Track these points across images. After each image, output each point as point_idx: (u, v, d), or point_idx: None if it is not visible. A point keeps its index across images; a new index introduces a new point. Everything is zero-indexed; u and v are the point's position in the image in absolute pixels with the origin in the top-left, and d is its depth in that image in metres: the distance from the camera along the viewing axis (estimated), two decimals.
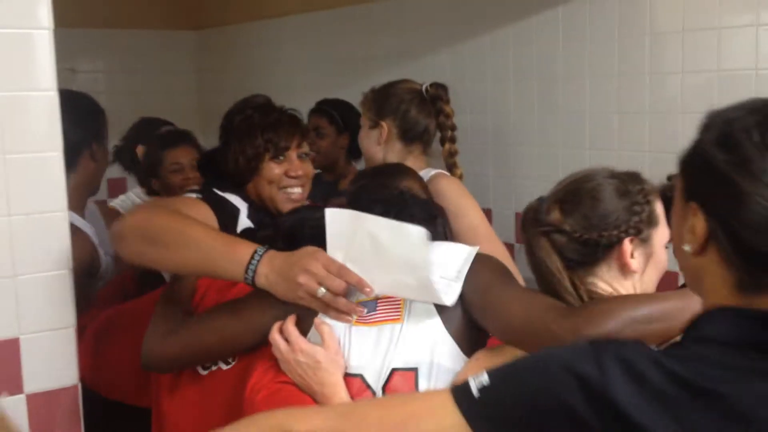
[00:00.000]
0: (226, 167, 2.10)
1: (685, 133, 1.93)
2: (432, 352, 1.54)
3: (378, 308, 1.60)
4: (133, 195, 3.15)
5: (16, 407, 1.72)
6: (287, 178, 2.09)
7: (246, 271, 1.58)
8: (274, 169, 2.07)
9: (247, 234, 1.94)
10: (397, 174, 2.07)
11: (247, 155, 2.06)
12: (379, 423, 1.14)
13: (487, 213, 3.21)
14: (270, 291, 1.58)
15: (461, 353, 1.56)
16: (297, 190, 2.10)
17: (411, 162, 2.47)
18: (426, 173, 2.46)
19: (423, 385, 1.53)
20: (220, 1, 4.90)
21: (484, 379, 1.08)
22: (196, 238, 1.63)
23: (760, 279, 1.01)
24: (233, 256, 1.60)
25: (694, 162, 1.09)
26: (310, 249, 1.58)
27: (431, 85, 2.62)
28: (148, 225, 1.68)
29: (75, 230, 2.25)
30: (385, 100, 2.55)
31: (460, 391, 1.09)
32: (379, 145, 2.53)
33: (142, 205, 1.81)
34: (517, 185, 3.11)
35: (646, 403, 0.97)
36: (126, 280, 2.38)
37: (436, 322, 1.56)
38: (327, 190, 2.97)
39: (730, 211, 1.01)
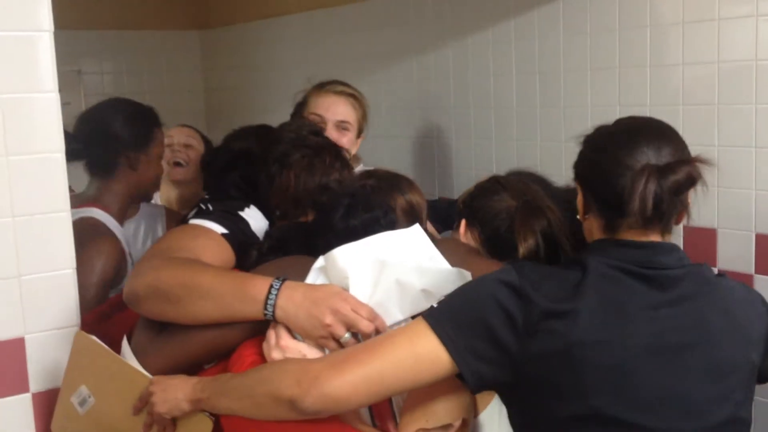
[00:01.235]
0: (267, 191, 1.97)
1: (686, 125, 1.94)
2: None
3: None
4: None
5: (21, 406, 1.75)
6: None
7: (265, 307, 1.55)
8: None
9: (250, 244, 1.87)
10: (405, 185, 1.96)
11: (298, 195, 1.94)
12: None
13: None
14: (287, 324, 1.55)
15: None
16: None
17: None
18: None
19: None
20: (225, 1, 4.92)
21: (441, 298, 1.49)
22: (207, 288, 1.59)
23: (613, 221, 1.50)
24: (248, 296, 1.57)
25: (578, 156, 1.60)
26: (336, 288, 1.55)
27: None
28: (159, 283, 1.62)
29: (107, 234, 2.28)
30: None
31: (426, 311, 1.45)
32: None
33: (151, 255, 1.74)
34: None
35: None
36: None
37: None
38: None
39: (593, 179, 1.53)
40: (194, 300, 1.58)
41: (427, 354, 1.39)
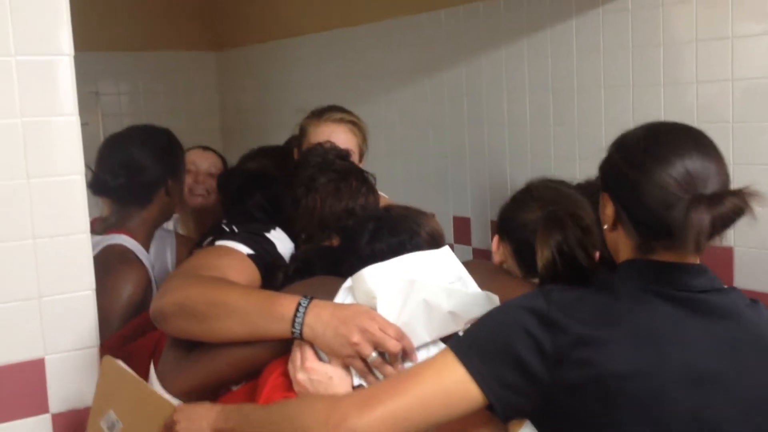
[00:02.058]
0: (292, 214, 1.98)
1: None
2: None
3: None
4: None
5: (41, 427, 1.76)
6: None
7: (293, 325, 1.54)
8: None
9: (277, 266, 1.88)
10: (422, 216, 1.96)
11: (324, 218, 1.95)
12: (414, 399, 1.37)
13: None
14: (314, 342, 1.54)
15: None
16: None
17: None
18: None
19: None
20: (240, 22, 4.97)
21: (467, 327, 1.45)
22: (234, 306, 1.59)
23: (648, 242, 1.41)
24: (275, 314, 1.56)
25: (604, 163, 1.50)
26: (363, 308, 1.54)
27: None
28: (186, 301, 1.62)
29: (135, 261, 2.29)
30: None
31: (453, 342, 1.40)
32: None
33: (178, 273, 1.75)
34: None
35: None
36: (144, 320, 2.21)
37: None
38: None
39: (626, 195, 1.43)
40: (221, 318, 1.58)
41: (456, 387, 1.36)
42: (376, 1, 3.82)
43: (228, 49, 5.11)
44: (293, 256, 1.90)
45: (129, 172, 2.35)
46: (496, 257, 1.87)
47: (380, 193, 2.37)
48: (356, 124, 2.53)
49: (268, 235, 1.92)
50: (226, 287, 1.65)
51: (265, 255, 1.86)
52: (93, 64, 4.48)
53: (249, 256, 1.82)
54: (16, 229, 1.71)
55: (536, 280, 1.72)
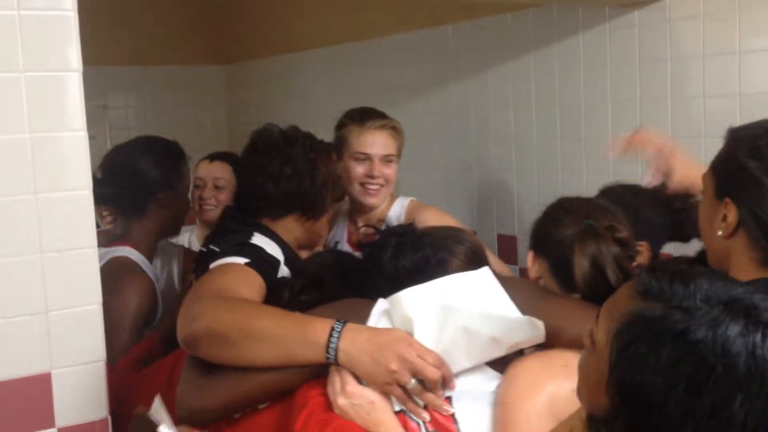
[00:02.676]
0: (302, 203, 2.05)
1: (708, 158, 1.92)
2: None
3: None
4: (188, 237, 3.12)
5: None
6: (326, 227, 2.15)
7: (327, 351, 1.49)
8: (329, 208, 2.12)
9: (283, 283, 1.87)
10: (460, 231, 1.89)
11: (329, 187, 2.05)
12: None
13: (512, 240, 3.22)
14: (350, 368, 1.49)
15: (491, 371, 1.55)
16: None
17: None
18: (401, 201, 2.60)
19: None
20: (248, 36, 4.99)
21: None
22: (266, 331, 1.54)
23: None
24: (309, 339, 1.51)
25: (728, 168, 1.42)
26: (401, 334, 1.49)
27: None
28: (218, 327, 1.58)
29: (140, 273, 2.30)
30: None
31: None
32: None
33: (200, 297, 1.69)
34: (540, 212, 3.12)
35: None
36: (152, 342, 2.25)
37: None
38: None
39: (759, 203, 1.32)
40: (253, 344, 1.54)
41: None
42: (383, 16, 3.83)
43: (236, 63, 5.13)
44: (298, 272, 1.88)
45: (122, 180, 2.37)
46: (532, 273, 1.81)
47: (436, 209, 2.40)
48: (395, 128, 2.58)
49: (251, 241, 1.94)
50: (257, 312, 1.61)
51: (258, 260, 1.86)
52: (101, 78, 4.51)
53: (247, 264, 1.82)
54: (23, 243, 1.71)
55: (576, 296, 1.68)
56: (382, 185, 2.52)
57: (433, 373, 1.45)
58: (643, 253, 1.97)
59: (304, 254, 2.13)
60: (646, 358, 0.94)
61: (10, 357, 1.71)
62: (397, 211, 2.55)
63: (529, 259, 1.82)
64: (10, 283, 1.71)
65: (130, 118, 4.88)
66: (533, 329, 1.51)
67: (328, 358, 1.50)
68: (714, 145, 2.57)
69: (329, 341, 1.49)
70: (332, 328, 1.50)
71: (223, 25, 5.16)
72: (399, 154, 2.58)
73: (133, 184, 2.38)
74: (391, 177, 2.53)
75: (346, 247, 2.57)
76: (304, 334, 1.52)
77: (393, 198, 2.58)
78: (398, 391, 1.47)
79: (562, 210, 1.80)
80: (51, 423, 1.77)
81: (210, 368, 1.64)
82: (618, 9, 2.78)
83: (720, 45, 2.50)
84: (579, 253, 1.63)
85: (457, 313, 1.49)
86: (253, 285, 1.78)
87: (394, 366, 1.44)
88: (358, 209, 2.59)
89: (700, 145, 2.57)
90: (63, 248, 1.75)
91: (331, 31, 4.25)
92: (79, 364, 1.78)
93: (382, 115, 2.60)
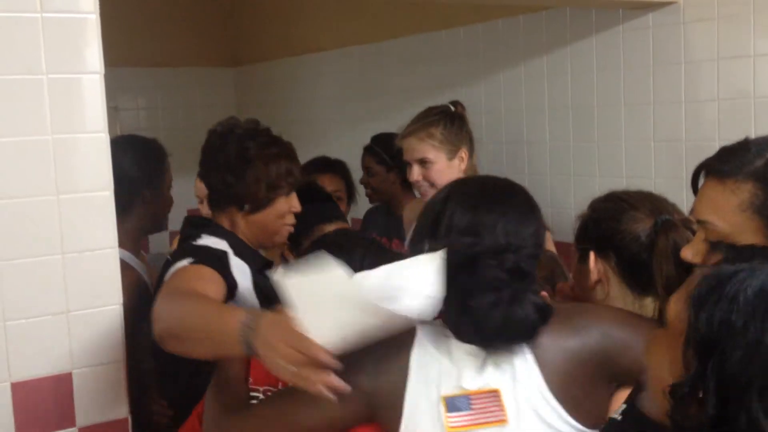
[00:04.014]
0: (236, 195, 2.08)
1: None
2: None
3: (473, 405, 1.38)
4: None
5: None
6: (290, 214, 2.13)
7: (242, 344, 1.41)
8: (284, 204, 2.11)
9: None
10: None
11: (272, 185, 2.05)
12: None
13: None
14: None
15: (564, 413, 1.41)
16: (292, 228, 2.16)
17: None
18: None
19: None
20: (258, 39, 5.01)
21: None
22: (201, 329, 1.54)
23: None
24: (230, 336, 1.43)
25: None
26: (273, 318, 1.39)
27: (455, 103, 2.68)
28: (171, 324, 1.61)
29: (126, 268, 2.31)
30: (457, 129, 2.59)
31: None
32: (460, 173, 2.55)
33: (161, 296, 1.74)
34: (554, 214, 3.13)
35: None
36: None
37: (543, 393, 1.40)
38: (392, 224, 3.08)
39: None
40: (194, 341, 1.55)
41: None
42: (394, 18, 3.84)
43: (246, 65, 5.15)
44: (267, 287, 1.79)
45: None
46: (594, 275, 1.66)
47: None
48: (426, 128, 2.57)
49: (196, 243, 2.02)
50: (190, 309, 1.63)
51: (203, 256, 1.94)
52: (113, 80, 4.45)
53: (193, 263, 1.90)
54: (45, 244, 1.73)
55: (649, 299, 1.60)
56: (426, 186, 2.57)
57: (297, 359, 1.33)
58: None
59: (271, 255, 2.18)
60: (724, 303, 1.04)
61: (31, 357, 1.73)
62: None
63: (591, 260, 1.67)
64: (32, 283, 1.72)
65: (140, 119, 4.90)
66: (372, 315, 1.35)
67: (248, 353, 1.42)
68: None
69: (242, 334, 1.41)
70: (242, 322, 1.41)
71: (234, 28, 5.17)
72: (447, 151, 2.56)
73: (118, 183, 2.39)
74: (431, 178, 2.55)
75: None
76: (224, 328, 1.46)
77: None
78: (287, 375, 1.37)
79: (626, 205, 1.65)
80: (72, 422, 1.78)
81: (233, 407, 1.59)
82: (631, 11, 2.79)
83: (734, 48, 2.51)
84: (661, 251, 1.54)
85: (314, 285, 1.35)
86: (202, 278, 1.85)
87: (275, 355, 1.35)
88: None
89: (714, 149, 2.56)
90: (84, 249, 1.77)
91: (340, 34, 4.26)
92: (99, 364, 1.80)
93: (415, 121, 2.63)
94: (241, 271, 2.01)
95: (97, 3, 1.75)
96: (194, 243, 2.04)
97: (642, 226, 1.60)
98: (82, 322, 1.77)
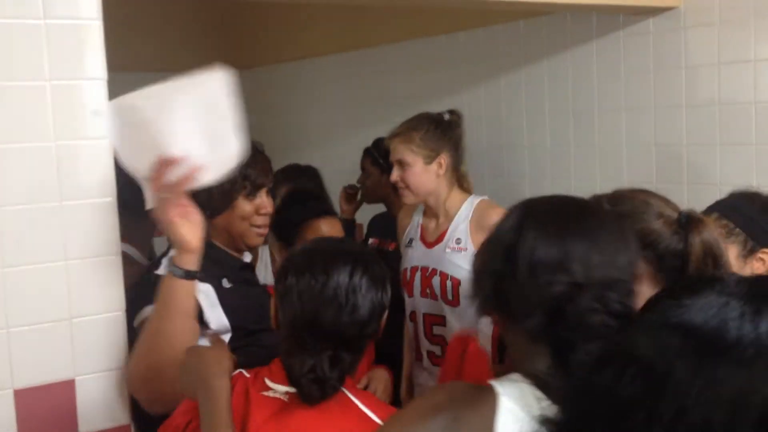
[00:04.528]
0: (197, 200, 1.98)
1: (723, 166, 1.91)
2: None
3: None
4: None
5: None
6: (258, 216, 2.10)
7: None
8: (246, 206, 2.07)
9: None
10: None
11: (223, 190, 1.98)
12: None
13: None
14: None
15: None
16: (265, 229, 2.13)
17: (456, 190, 2.61)
18: (471, 200, 2.59)
19: None
20: (258, 43, 5.01)
21: None
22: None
23: None
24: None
25: None
26: None
27: (451, 111, 2.70)
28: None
29: (133, 263, 2.33)
30: (440, 134, 2.60)
31: None
32: (438, 178, 2.59)
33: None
34: None
35: None
36: None
37: None
38: (389, 227, 3.07)
39: None
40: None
41: None
42: (395, 23, 3.85)
43: (247, 70, 5.15)
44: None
45: (124, 182, 2.38)
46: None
47: None
48: (404, 134, 2.61)
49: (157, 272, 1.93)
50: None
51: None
52: (115, 84, 4.50)
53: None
54: (48, 250, 1.73)
55: None
56: (402, 188, 2.62)
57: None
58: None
59: (248, 257, 2.14)
60: None
61: (34, 363, 1.73)
62: (466, 210, 2.59)
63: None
64: (35, 289, 1.72)
65: None
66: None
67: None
68: (729, 153, 2.59)
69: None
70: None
71: (235, 32, 5.18)
72: (424, 155, 2.58)
73: (134, 182, 2.38)
74: (407, 180, 2.59)
75: (419, 244, 2.66)
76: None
77: (465, 196, 2.61)
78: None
79: (644, 203, 1.54)
80: (74, 429, 1.78)
81: None
82: (632, 16, 2.79)
83: (734, 53, 2.51)
84: (693, 245, 1.45)
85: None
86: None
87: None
88: (426, 208, 2.69)
89: (715, 153, 2.58)
90: (87, 255, 1.77)
91: (342, 38, 4.27)
92: (102, 370, 1.80)
93: (406, 122, 2.66)
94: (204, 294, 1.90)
95: (101, 9, 1.75)
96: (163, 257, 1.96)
97: (666, 222, 1.49)
98: (85, 328, 1.77)
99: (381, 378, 2.30)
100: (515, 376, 1.19)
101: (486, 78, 3.41)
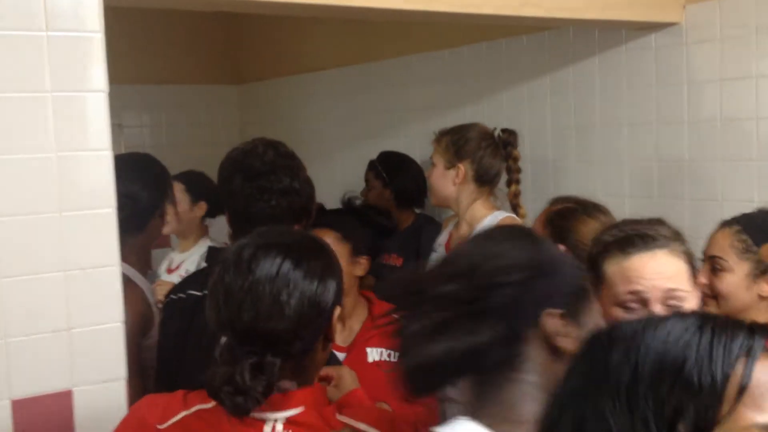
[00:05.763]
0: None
1: (725, 181, 1.91)
2: None
3: None
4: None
5: None
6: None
7: None
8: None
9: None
10: None
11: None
12: None
13: None
14: None
15: None
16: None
17: (480, 204, 2.63)
18: (495, 216, 2.59)
19: None
20: (261, 57, 5.03)
21: None
22: None
23: None
24: None
25: None
26: None
27: (503, 130, 2.74)
28: None
29: (131, 285, 2.31)
30: (464, 144, 2.64)
31: None
32: (454, 186, 2.64)
33: None
34: None
35: None
36: None
37: None
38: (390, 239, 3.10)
39: None
40: None
41: None
42: (396, 38, 3.86)
43: (249, 83, 5.16)
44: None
45: (122, 201, 2.38)
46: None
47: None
48: (437, 140, 2.72)
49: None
50: None
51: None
52: (116, 97, 4.48)
53: None
54: (47, 261, 1.73)
55: None
56: (431, 187, 2.75)
57: None
58: None
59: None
60: None
61: (32, 374, 1.72)
62: (489, 222, 2.61)
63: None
64: (34, 300, 1.72)
65: (144, 136, 4.91)
66: None
67: None
68: (731, 169, 2.58)
69: None
70: None
71: (237, 46, 5.20)
72: (445, 162, 2.66)
73: (136, 204, 2.37)
74: (429, 177, 2.74)
75: (442, 249, 2.73)
76: None
77: (491, 210, 2.63)
78: None
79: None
80: None
81: None
82: (634, 32, 2.80)
83: (736, 68, 2.51)
84: None
85: None
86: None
87: None
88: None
89: (717, 169, 2.57)
90: (86, 266, 1.77)
91: (343, 52, 4.28)
92: (100, 381, 1.79)
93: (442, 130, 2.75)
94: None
95: (102, 22, 1.76)
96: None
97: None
98: (83, 339, 1.77)
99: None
100: None
101: (488, 92, 3.42)
